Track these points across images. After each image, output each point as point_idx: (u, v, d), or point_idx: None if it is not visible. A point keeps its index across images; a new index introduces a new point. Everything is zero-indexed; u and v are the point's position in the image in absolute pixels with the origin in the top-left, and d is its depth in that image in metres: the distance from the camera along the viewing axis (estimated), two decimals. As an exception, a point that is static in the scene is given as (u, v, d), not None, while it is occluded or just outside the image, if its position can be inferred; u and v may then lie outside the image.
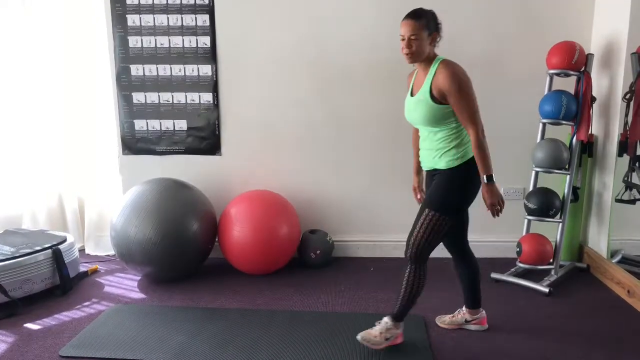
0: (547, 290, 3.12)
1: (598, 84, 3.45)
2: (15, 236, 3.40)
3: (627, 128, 3.14)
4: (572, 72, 3.28)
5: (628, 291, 3.03)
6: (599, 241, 3.46)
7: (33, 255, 3.10)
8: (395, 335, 2.45)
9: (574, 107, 3.27)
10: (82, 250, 4.02)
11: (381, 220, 3.86)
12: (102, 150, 3.94)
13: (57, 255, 3.20)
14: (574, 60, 3.22)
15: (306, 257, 3.64)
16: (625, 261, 3.36)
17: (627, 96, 3.13)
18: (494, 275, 3.37)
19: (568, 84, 3.40)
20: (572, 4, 3.53)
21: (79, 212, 4.10)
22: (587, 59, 3.28)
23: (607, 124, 3.39)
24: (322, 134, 3.76)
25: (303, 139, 3.79)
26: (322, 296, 3.17)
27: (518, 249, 3.37)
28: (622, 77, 3.21)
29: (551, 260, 3.34)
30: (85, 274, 3.54)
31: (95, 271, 3.64)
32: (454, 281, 2.78)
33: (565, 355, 2.45)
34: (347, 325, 2.72)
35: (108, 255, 3.95)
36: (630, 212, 3.26)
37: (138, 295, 3.24)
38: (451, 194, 2.34)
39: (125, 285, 3.40)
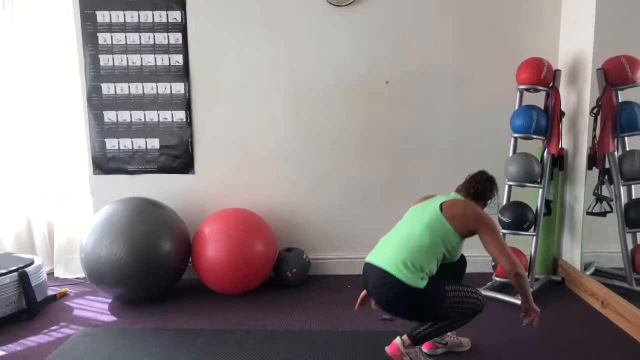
0: (523, 303, 3.12)
1: (566, 99, 3.53)
2: (-20, 259, 3.29)
3: (596, 142, 3.21)
4: (541, 88, 3.35)
5: (602, 302, 3.06)
6: (572, 254, 3.50)
7: (-2, 278, 2.99)
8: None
9: (544, 121, 3.33)
10: (51, 274, 3.90)
11: (357, 237, 3.84)
12: (72, 171, 3.86)
13: (23, 278, 3.09)
14: (542, 75, 3.29)
15: (282, 275, 3.59)
16: (599, 273, 3.39)
17: (595, 110, 3.20)
18: (470, 289, 3.37)
19: (538, 99, 3.47)
20: (539, 22, 3.62)
21: (47, 236, 3.99)
22: (555, 74, 3.36)
23: (576, 138, 3.45)
24: (297, 152, 3.75)
25: (278, 157, 3.77)
26: (299, 314, 3.12)
27: (494, 263, 3.38)
28: (589, 92, 3.28)
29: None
30: (53, 298, 3.42)
31: (64, 295, 3.53)
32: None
33: (542, 367, 2.45)
34: (324, 343, 2.68)
35: (78, 278, 3.84)
36: (601, 225, 3.30)
37: (109, 318, 3.14)
38: None
39: (96, 308, 3.30)
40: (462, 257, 2.59)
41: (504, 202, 3.47)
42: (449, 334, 2.60)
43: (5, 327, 2.98)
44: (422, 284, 2.20)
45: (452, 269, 2.50)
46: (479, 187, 2.47)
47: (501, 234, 2.30)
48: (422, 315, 2.31)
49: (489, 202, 2.53)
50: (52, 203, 3.92)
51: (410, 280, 2.20)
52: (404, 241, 2.31)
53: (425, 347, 2.56)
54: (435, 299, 2.24)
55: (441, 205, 2.35)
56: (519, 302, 3.14)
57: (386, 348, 2.40)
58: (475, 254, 3.77)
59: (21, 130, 3.82)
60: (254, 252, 3.33)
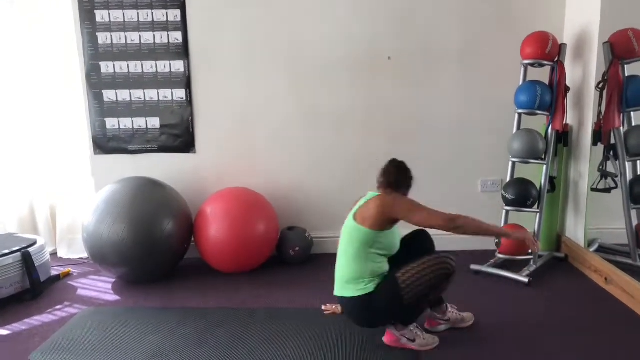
0: (526, 280, 3.12)
1: (572, 74, 3.47)
2: (-17, 240, 3.29)
3: (601, 117, 3.16)
4: (546, 62, 3.29)
5: (605, 279, 3.05)
6: (576, 231, 3.48)
7: (1, 258, 2.99)
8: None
9: (549, 97, 3.28)
10: (54, 254, 3.91)
11: (360, 216, 3.82)
12: (74, 152, 3.84)
13: (26, 259, 3.10)
14: (547, 50, 3.23)
15: (285, 254, 3.59)
16: (602, 250, 3.38)
17: (600, 85, 3.15)
18: (473, 267, 3.37)
19: (542, 75, 3.41)
20: (544, -5, 3.55)
21: (50, 216, 3.99)
22: (560, 49, 3.30)
23: (582, 114, 3.41)
24: (298, 129, 3.72)
25: (279, 135, 3.74)
26: (302, 293, 3.12)
27: (497, 240, 3.37)
28: (595, 67, 3.22)
29: (530, 251, 3.35)
30: (57, 278, 3.44)
31: (67, 274, 3.54)
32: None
33: (545, 342, 2.44)
34: (327, 321, 2.69)
35: (81, 258, 3.85)
36: (605, 201, 3.28)
37: (112, 297, 3.15)
38: None
39: (99, 287, 3.31)
40: (426, 235, 2.57)
41: (508, 179, 3.44)
42: (450, 309, 2.59)
43: (9, 307, 2.99)
44: (370, 287, 2.28)
45: (421, 249, 2.50)
46: (392, 177, 2.50)
47: (418, 202, 2.29)
48: (397, 311, 2.33)
49: (410, 187, 2.52)
50: (55, 185, 3.92)
51: (358, 292, 2.29)
52: (340, 261, 2.41)
53: (427, 325, 2.57)
54: (391, 290, 2.26)
55: (355, 214, 2.40)
56: (522, 278, 3.14)
57: (383, 338, 2.43)
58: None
59: (22, 115, 3.80)
60: (256, 231, 3.32)
